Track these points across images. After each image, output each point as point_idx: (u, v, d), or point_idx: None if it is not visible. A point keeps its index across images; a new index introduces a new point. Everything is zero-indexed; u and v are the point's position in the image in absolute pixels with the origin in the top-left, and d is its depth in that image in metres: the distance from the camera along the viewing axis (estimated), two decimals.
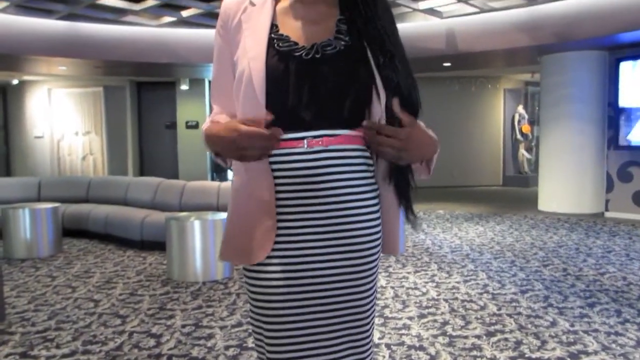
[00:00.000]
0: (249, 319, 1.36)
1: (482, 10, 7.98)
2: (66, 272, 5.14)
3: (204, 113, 11.63)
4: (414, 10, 7.94)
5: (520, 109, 12.83)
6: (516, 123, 12.76)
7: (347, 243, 1.19)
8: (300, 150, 1.16)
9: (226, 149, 1.16)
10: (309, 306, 1.18)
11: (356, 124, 1.19)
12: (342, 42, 1.20)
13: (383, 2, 1.25)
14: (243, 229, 1.23)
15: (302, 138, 1.16)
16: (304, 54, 1.18)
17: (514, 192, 11.54)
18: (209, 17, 8.23)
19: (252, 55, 1.18)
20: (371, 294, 1.24)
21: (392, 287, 4.46)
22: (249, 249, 1.21)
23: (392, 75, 1.17)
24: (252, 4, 1.26)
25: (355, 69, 1.19)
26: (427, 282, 4.62)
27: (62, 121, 11.89)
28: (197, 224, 4.75)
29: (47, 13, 7.80)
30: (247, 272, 1.25)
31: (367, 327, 1.24)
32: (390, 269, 5.07)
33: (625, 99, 7.77)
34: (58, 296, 4.32)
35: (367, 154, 1.22)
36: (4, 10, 7.50)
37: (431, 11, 8.11)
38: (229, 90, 1.26)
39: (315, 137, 1.16)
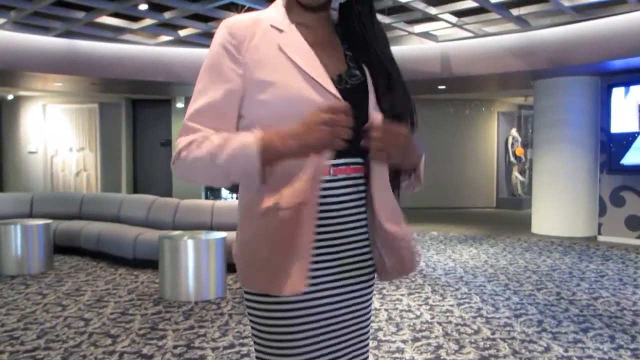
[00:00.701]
0: (254, 346, 1.28)
1: (477, 35, 8.08)
2: (57, 289, 5.09)
3: None
4: (410, 33, 8.03)
5: (514, 131, 12.93)
6: (510, 146, 12.85)
7: (357, 267, 1.25)
8: (327, 177, 1.19)
9: (315, 137, 1.09)
10: (324, 333, 1.21)
11: (362, 152, 1.22)
12: (358, 72, 1.25)
13: (379, 26, 1.29)
14: (279, 255, 1.14)
15: (330, 165, 1.19)
16: (336, 84, 1.20)
17: (507, 215, 11.56)
18: (206, 37, 8.29)
19: (317, 75, 1.16)
20: (370, 315, 1.33)
21: (386, 310, 4.44)
22: (285, 278, 1.13)
23: (390, 100, 1.23)
24: (278, 30, 1.22)
25: (367, 98, 1.24)
26: (421, 305, 4.60)
27: (57, 137, 11.87)
28: (190, 243, 4.73)
29: (45, 30, 7.83)
30: (264, 300, 1.20)
31: (367, 347, 1.33)
32: (384, 291, 5.05)
33: (617, 124, 7.85)
34: (48, 314, 4.26)
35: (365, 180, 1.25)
36: (1, 27, 7.53)
37: (427, 35, 8.20)
38: (230, 114, 1.20)
39: (339, 165, 1.20)
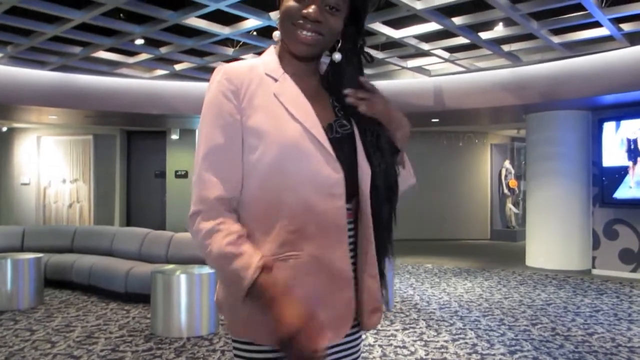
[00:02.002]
0: None
1: (469, 70, 8.21)
2: (46, 325, 5.01)
3: (193, 163, 11.64)
4: (403, 68, 8.15)
5: (507, 163, 13.01)
6: (503, 178, 12.91)
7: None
8: None
9: (276, 335, 1.08)
10: None
11: (350, 197, 1.27)
12: (346, 122, 1.30)
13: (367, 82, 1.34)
14: (313, 304, 1.16)
15: None
16: (327, 134, 1.24)
17: (501, 247, 11.55)
18: (202, 71, 8.37)
19: (310, 125, 1.20)
20: None
21: (380, 346, 4.39)
22: (266, 327, 1.14)
23: (379, 157, 1.27)
24: (273, 78, 1.26)
25: (356, 147, 1.28)
26: (415, 341, 4.55)
27: (50, 168, 11.85)
28: (183, 278, 4.69)
29: (41, 64, 7.90)
30: (248, 348, 1.24)
31: None
32: (379, 326, 5.00)
33: (609, 158, 7.92)
34: (36, 352, 4.19)
35: None
36: None
37: (420, 69, 8.33)
38: (235, 158, 1.21)
39: None
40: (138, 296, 5.89)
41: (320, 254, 1.19)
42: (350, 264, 1.22)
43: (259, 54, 6.73)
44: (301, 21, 1.22)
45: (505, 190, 12.87)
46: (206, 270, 4.91)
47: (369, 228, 1.25)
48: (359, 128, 1.28)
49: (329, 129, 1.25)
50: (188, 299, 4.67)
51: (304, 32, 1.22)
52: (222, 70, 1.26)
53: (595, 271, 8.13)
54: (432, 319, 5.33)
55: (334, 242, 1.20)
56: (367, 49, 1.35)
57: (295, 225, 1.18)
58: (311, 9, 1.21)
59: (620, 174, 7.78)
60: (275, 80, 1.25)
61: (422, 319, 5.30)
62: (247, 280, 1.11)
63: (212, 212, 1.18)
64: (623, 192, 7.77)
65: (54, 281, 6.71)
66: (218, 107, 1.22)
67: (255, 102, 1.22)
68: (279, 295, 1.10)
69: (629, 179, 7.68)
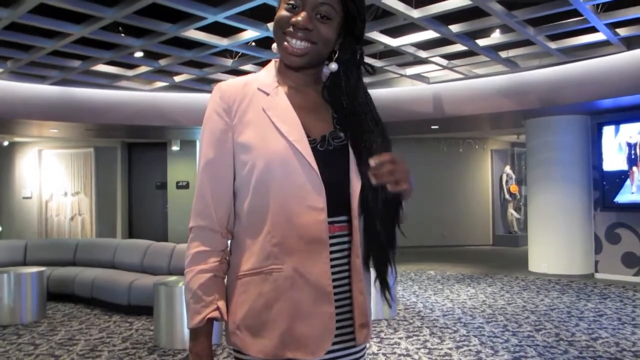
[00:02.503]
0: None
1: (467, 77, 8.24)
2: (49, 339, 5.01)
3: (194, 173, 11.67)
4: (402, 76, 8.18)
5: (508, 169, 13.02)
6: (504, 183, 12.91)
7: (340, 327, 1.26)
8: None
9: None
10: None
11: (346, 211, 1.26)
12: (342, 134, 1.29)
13: (364, 90, 1.33)
14: (255, 319, 1.23)
15: None
16: (318, 146, 1.25)
17: (504, 252, 11.53)
18: (201, 82, 8.41)
19: (295, 139, 1.21)
20: None
21: (384, 354, 4.38)
22: (305, 341, 1.20)
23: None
24: (265, 93, 1.28)
25: (349, 160, 1.28)
26: (419, 349, 4.54)
27: (51, 182, 11.88)
28: (185, 291, 4.68)
29: (41, 79, 7.94)
30: (243, 358, 1.29)
31: None
32: (382, 334, 4.99)
33: (609, 162, 7.92)
34: None
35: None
36: None
37: (418, 77, 8.36)
38: (225, 175, 1.27)
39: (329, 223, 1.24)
40: (141, 308, 5.89)
41: (302, 268, 1.19)
42: (329, 279, 1.21)
43: (258, 64, 6.76)
44: (291, 29, 1.23)
45: (507, 196, 12.87)
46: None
47: (357, 243, 1.25)
48: (353, 140, 1.28)
49: (321, 141, 1.25)
50: None
51: (294, 41, 1.23)
52: (217, 88, 1.30)
53: (598, 275, 8.11)
54: (436, 326, 5.32)
55: (315, 256, 1.20)
56: (367, 59, 1.35)
57: (278, 238, 1.20)
58: (300, 16, 1.22)
59: (621, 178, 7.78)
60: (267, 94, 1.27)
61: (426, 327, 5.29)
62: (191, 324, 1.24)
63: (202, 234, 1.27)
64: (624, 196, 7.76)
65: (57, 294, 6.70)
66: (212, 126, 1.27)
67: (246, 118, 1.25)
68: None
69: (630, 183, 7.67)
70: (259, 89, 1.28)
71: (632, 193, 7.65)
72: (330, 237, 1.22)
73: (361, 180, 1.24)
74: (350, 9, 1.25)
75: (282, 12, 1.24)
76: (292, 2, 1.23)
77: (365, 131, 1.27)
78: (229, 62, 7.33)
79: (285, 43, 1.24)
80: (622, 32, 6.30)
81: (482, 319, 5.58)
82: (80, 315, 6.05)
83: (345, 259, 1.26)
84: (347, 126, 1.29)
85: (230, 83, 1.31)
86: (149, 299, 5.32)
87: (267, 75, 1.32)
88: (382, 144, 1.26)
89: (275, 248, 1.20)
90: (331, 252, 1.22)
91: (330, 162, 1.24)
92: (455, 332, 5.10)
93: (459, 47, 6.76)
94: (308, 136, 1.24)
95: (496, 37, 6.62)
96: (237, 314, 1.25)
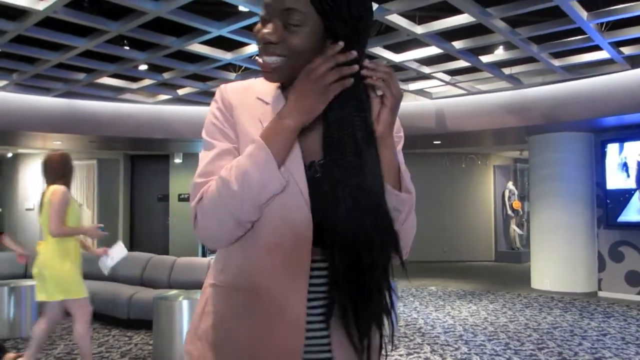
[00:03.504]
0: None
1: (470, 92, 8.25)
2: (48, 353, 4.97)
3: None
4: (405, 91, 8.19)
5: (510, 185, 12.99)
6: (506, 199, 12.88)
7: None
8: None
9: (310, 91, 1.09)
10: None
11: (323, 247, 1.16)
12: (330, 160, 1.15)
13: (363, 109, 1.22)
14: (257, 346, 1.11)
15: None
16: (308, 170, 1.15)
17: (506, 268, 11.47)
18: (205, 95, 8.44)
19: (289, 164, 1.11)
20: None
21: None
22: None
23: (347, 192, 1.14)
24: (264, 102, 1.20)
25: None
26: None
27: None
28: (185, 304, 4.66)
29: (46, 91, 7.98)
30: None
31: None
32: (382, 351, 4.93)
33: (612, 180, 7.89)
34: None
35: None
36: (3, 89, 7.67)
37: (421, 92, 8.37)
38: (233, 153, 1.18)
39: None
40: (140, 322, 5.85)
41: (278, 293, 1.09)
42: (304, 312, 1.10)
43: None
44: (261, 45, 1.13)
45: (509, 212, 12.83)
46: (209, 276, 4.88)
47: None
48: (325, 170, 1.15)
49: (309, 167, 1.14)
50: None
51: (264, 57, 1.13)
52: (220, 88, 1.25)
53: (601, 293, 8.05)
54: (437, 343, 5.27)
55: (293, 286, 1.10)
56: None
57: (259, 258, 1.11)
58: (265, 29, 1.12)
59: (625, 196, 7.75)
60: (266, 104, 1.19)
61: (427, 344, 5.24)
62: (256, 142, 1.10)
63: (202, 192, 1.14)
64: (629, 215, 7.71)
65: None
66: (215, 123, 1.20)
67: (241, 126, 1.18)
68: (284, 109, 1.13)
69: (636, 201, 7.63)
70: (258, 98, 1.20)
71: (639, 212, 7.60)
72: (313, 269, 1.12)
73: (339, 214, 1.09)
74: (325, 8, 1.09)
75: (258, 26, 1.15)
76: (263, 14, 1.13)
77: (341, 165, 1.11)
78: (232, 75, 7.35)
79: (258, 59, 1.15)
80: (626, 50, 6.31)
81: (483, 337, 5.52)
82: None
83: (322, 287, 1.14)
84: (328, 151, 1.13)
85: (232, 85, 1.25)
86: (149, 313, 5.28)
87: (269, 84, 1.22)
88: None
89: (255, 268, 1.11)
90: (311, 285, 1.12)
91: (317, 191, 1.12)
92: (456, 349, 5.05)
93: (462, 63, 6.77)
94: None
95: (499, 53, 6.64)
96: (202, 322, 1.18)
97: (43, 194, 4.00)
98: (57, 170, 4.05)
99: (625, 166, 7.77)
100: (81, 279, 4.03)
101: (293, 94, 1.11)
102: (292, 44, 1.10)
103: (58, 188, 3.93)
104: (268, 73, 1.15)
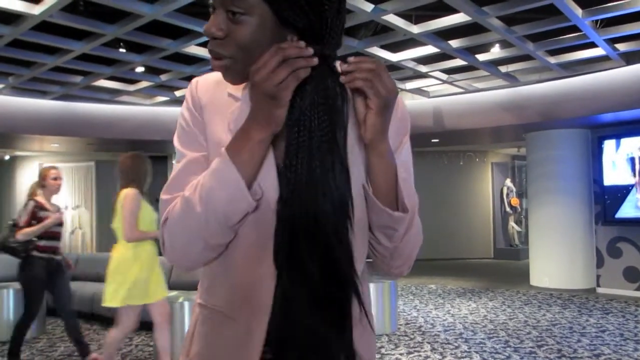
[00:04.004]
0: None
1: (467, 91, 8.26)
2: (49, 355, 4.98)
3: None
4: (402, 90, 8.20)
5: (508, 182, 13.02)
6: (505, 196, 12.91)
7: None
8: None
9: (268, 83, 0.87)
10: None
11: None
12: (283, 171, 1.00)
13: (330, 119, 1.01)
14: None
15: None
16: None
17: (505, 265, 11.50)
18: None
19: (261, 179, 0.94)
20: None
21: None
22: None
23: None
24: (235, 98, 1.02)
25: None
26: None
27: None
28: (185, 305, 4.68)
29: (43, 94, 7.97)
30: None
31: None
32: (382, 350, 4.96)
33: (610, 177, 7.92)
34: None
35: None
36: (0, 92, 7.67)
37: (419, 91, 8.39)
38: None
39: None
40: (141, 324, 5.82)
41: (257, 326, 0.97)
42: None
43: None
44: (210, 40, 0.96)
45: (507, 209, 12.86)
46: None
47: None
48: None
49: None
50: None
51: (212, 58, 0.97)
52: (191, 82, 1.10)
53: (600, 290, 8.08)
54: (437, 341, 5.29)
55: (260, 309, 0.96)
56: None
57: (238, 287, 0.99)
58: (209, 22, 0.95)
59: (622, 192, 7.77)
60: (237, 99, 1.01)
61: (427, 342, 5.26)
62: (220, 157, 0.93)
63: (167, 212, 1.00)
64: (627, 211, 7.74)
65: (56, 310, 6.66)
66: (184, 126, 1.08)
67: (210, 125, 1.03)
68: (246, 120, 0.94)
69: (633, 197, 7.66)
70: (229, 94, 1.03)
71: (637, 207, 7.62)
72: None
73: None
74: None
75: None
76: (211, 1, 0.96)
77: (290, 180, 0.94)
78: None
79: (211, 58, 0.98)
80: (621, 47, 6.33)
81: (483, 335, 5.54)
82: None
83: None
84: (284, 160, 0.94)
85: (203, 79, 1.09)
86: (149, 315, 5.28)
87: None
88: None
89: (236, 294, 0.99)
90: None
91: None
92: (456, 347, 5.07)
93: (458, 62, 6.79)
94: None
95: (496, 52, 6.65)
96: (192, 344, 1.05)
97: (115, 199, 3.97)
98: (128, 174, 3.93)
99: (622, 162, 7.80)
100: (159, 280, 4.00)
101: (250, 100, 0.93)
102: (238, 38, 0.93)
103: (129, 192, 3.84)
104: (223, 75, 0.99)
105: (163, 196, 1.02)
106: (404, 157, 1.09)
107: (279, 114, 0.90)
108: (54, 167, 4.58)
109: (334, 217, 0.90)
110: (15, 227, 4.33)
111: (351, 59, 0.93)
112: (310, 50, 0.88)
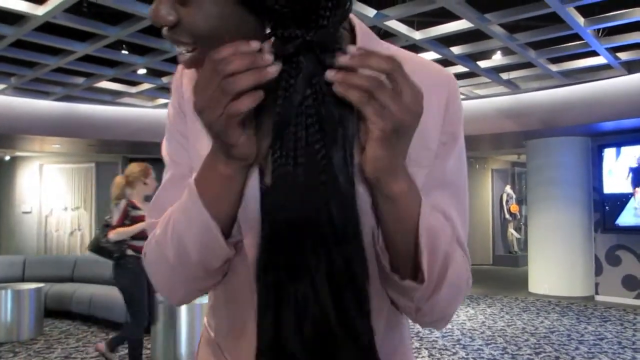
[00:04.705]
0: None
1: (468, 97, 8.28)
2: (46, 357, 4.98)
3: None
4: None
5: (508, 188, 13.02)
6: (504, 203, 12.91)
7: None
8: None
9: (209, 101, 0.61)
10: None
11: None
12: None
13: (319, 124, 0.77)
14: None
15: None
16: None
17: (504, 272, 11.49)
18: None
19: (243, 217, 0.73)
20: None
21: None
22: None
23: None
24: None
25: None
26: None
27: (52, 196, 11.87)
28: (183, 308, 4.67)
29: (45, 95, 7.99)
30: None
31: None
32: None
33: (609, 185, 7.93)
34: None
35: None
36: (2, 92, 7.68)
37: None
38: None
39: None
40: None
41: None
42: None
43: None
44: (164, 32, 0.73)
45: (507, 215, 12.86)
46: (207, 299, 4.89)
47: None
48: None
49: None
50: (189, 329, 4.65)
51: (176, 49, 0.75)
52: (174, 75, 0.89)
53: (598, 297, 8.07)
54: (435, 347, 5.29)
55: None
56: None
57: (225, 322, 0.86)
58: (152, 6, 0.71)
59: (622, 200, 7.78)
60: None
61: (425, 348, 5.26)
62: (189, 189, 0.72)
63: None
64: (626, 219, 7.75)
65: (54, 311, 6.67)
66: (169, 128, 0.88)
67: (191, 137, 0.82)
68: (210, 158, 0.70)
69: (632, 205, 7.66)
70: None
71: (637, 215, 7.63)
72: None
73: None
74: None
75: None
76: None
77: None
78: None
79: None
80: (623, 56, 6.34)
81: (481, 341, 5.54)
82: (77, 332, 6.02)
83: None
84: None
85: (192, 71, 0.83)
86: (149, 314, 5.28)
87: None
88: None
89: (233, 330, 0.83)
90: None
91: None
92: (454, 354, 5.06)
93: (460, 69, 6.80)
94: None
95: (497, 59, 6.67)
96: None
97: None
98: None
99: (622, 171, 7.81)
100: None
101: None
102: (187, 22, 0.69)
103: None
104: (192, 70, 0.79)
105: (147, 220, 0.86)
106: (448, 175, 0.81)
107: (237, 153, 0.66)
108: (149, 165, 4.46)
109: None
110: (108, 227, 4.25)
111: (353, 48, 0.62)
112: (268, 58, 0.61)
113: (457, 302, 0.79)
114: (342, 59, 0.62)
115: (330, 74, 0.62)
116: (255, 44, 0.61)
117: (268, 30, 0.67)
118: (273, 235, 0.66)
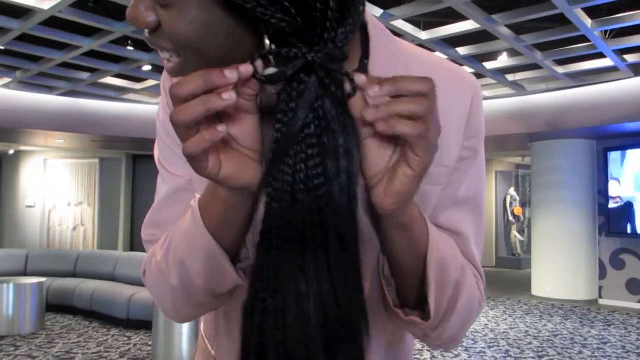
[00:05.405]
0: None
1: None
2: (46, 351, 4.97)
3: None
4: None
5: (512, 190, 12.98)
6: (508, 205, 12.87)
7: None
8: None
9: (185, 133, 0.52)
10: None
11: None
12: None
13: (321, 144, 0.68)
14: None
15: None
16: None
17: (507, 274, 11.45)
18: None
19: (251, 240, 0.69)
20: None
21: None
22: None
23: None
24: None
25: None
26: None
27: (55, 191, 11.88)
28: None
29: (49, 89, 7.99)
30: None
31: None
32: None
33: (614, 188, 7.89)
34: None
35: None
36: (6, 86, 7.68)
37: None
38: (176, 211, 0.76)
39: None
40: (140, 322, 5.85)
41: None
42: None
43: None
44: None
45: (510, 217, 12.82)
46: None
47: None
48: None
49: None
50: (190, 326, 4.63)
51: (161, 54, 0.63)
52: (164, 72, 0.76)
53: (601, 301, 8.04)
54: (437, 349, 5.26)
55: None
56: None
57: (218, 324, 0.84)
58: (129, 7, 0.61)
59: (627, 203, 7.74)
60: None
61: (427, 350, 5.24)
62: (192, 212, 0.66)
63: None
64: (631, 223, 7.70)
65: (56, 305, 6.67)
66: (159, 132, 0.80)
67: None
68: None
69: (637, 209, 7.62)
70: None
71: None
72: None
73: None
74: None
75: None
76: None
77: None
78: None
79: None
80: (630, 58, 6.31)
81: (483, 344, 5.52)
82: (78, 327, 6.02)
83: None
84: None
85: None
86: (148, 314, 5.28)
87: None
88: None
89: (229, 343, 0.81)
90: None
91: None
92: (456, 356, 5.04)
93: (466, 69, 6.76)
94: None
95: (503, 60, 6.64)
96: None
97: None
98: None
99: (627, 174, 7.76)
100: None
101: None
102: (170, 30, 0.58)
103: None
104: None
105: (142, 233, 0.81)
106: (467, 190, 0.73)
107: (231, 184, 0.57)
108: None
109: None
110: None
111: (367, 78, 0.53)
112: (233, 77, 0.51)
113: (468, 325, 0.74)
114: (373, 91, 0.52)
115: (369, 115, 0.52)
116: (231, 74, 0.51)
117: (266, 41, 0.56)
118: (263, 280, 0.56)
